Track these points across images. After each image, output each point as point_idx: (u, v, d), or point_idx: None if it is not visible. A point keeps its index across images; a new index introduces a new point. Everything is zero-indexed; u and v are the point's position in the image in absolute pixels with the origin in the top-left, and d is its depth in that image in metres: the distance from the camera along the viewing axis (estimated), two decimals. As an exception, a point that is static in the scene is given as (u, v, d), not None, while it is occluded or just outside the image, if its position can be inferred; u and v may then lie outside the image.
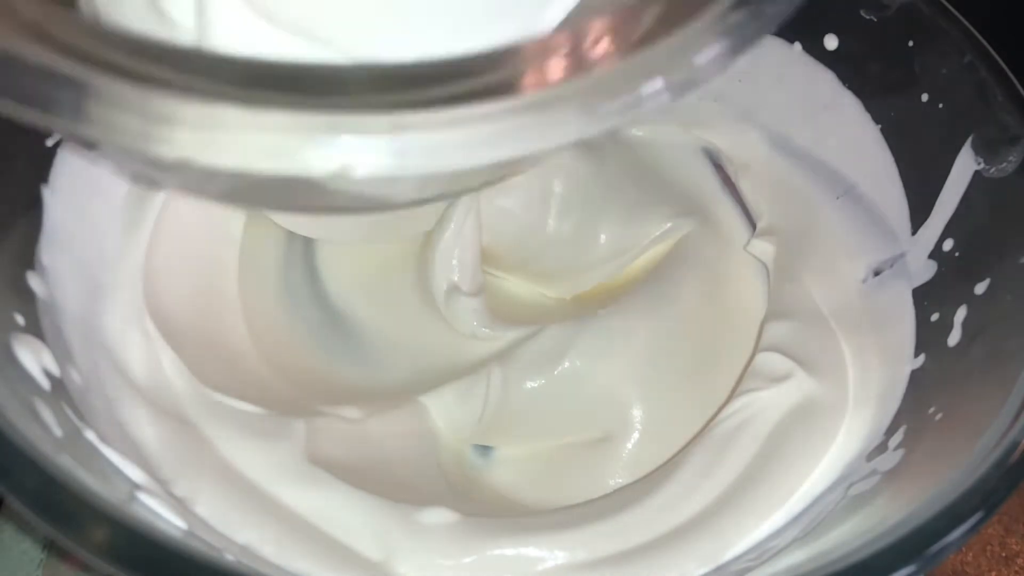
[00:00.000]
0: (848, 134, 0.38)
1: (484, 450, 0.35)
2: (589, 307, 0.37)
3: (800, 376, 0.33)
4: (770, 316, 0.35)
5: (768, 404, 0.32)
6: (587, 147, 0.40)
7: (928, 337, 0.33)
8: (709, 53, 0.21)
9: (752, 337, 0.36)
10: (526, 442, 0.35)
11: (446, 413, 0.34)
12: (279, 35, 0.22)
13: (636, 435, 0.34)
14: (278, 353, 0.35)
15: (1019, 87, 0.33)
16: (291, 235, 0.37)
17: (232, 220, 0.37)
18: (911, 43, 0.36)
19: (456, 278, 0.36)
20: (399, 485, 0.31)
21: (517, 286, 0.39)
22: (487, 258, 0.38)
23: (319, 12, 0.22)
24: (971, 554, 0.36)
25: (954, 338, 0.32)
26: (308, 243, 0.38)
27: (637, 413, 0.34)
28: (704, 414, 0.34)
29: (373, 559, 0.28)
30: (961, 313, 0.32)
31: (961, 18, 0.35)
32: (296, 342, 0.36)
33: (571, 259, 0.39)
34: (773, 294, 0.36)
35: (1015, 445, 0.25)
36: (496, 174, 0.27)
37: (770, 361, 0.33)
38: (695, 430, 0.33)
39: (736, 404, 0.32)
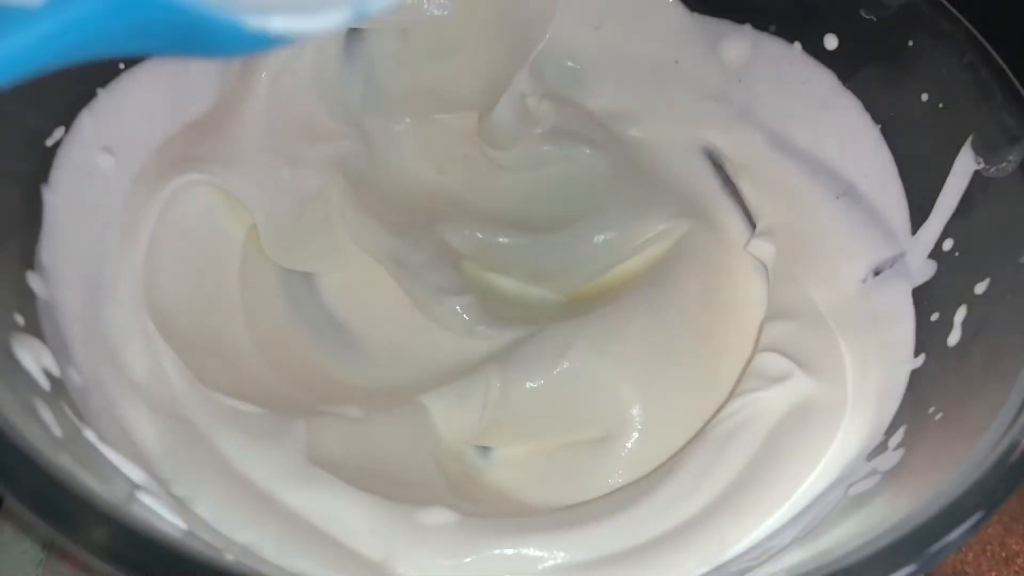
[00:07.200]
0: (848, 134, 0.38)
1: (484, 450, 0.35)
2: (588, 307, 0.37)
3: (799, 376, 0.33)
4: (770, 316, 0.35)
5: (768, 404, 0.32)
6: (587, 146, 0.40)
7: (928, 337, 0.33)
8: None
9: (752, 337, 0.36)
10: (526, 442, 0.35)
11: (446, 413, 0.34)
12: None
13: (636, 435, 0.34)
14: (278, 353, 0.35)
15: (1019, 87, 0.33)
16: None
17: (233, 220, 0.37)
18: (911, 43, 0.36)
19: (436, 280, 0.36)
20: (399, 485, 0.31)
21: (514, 286, 0.39)
22: (482, 257, 0.38)
23: None
24: (971, 554, 0.36)
25: (954, 338, 0.32)
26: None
27: (637, 413, 0.34)
28: (704, 414, 0.34)
29: (373, 559, 0.28)
30: (961, 313, 0.32)
31: (961, 18, 0.35)
32: (296, 342, 0.36)
33: (567, 258, 0.39)
34: (773, 294, 0.36)
35: (1015, 445, 0.25)
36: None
37: (770, 361, 0.33)
38: (695, 430, 0.33)
39: (735, 404, 0.32)
